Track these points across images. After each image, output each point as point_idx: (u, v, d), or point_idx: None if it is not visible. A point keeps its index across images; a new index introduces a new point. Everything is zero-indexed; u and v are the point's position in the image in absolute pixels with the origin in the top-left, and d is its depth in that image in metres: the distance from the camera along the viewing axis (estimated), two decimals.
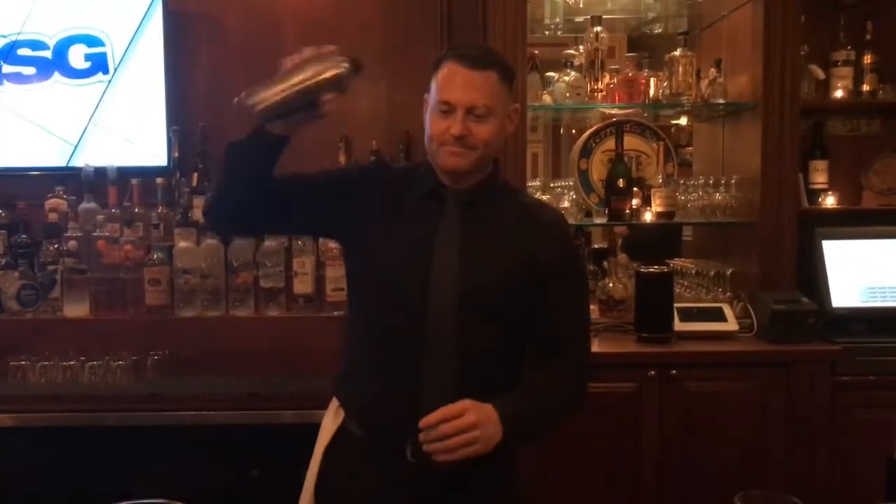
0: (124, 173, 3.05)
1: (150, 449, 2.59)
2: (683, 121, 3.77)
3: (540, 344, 1.73)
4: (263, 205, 1.66)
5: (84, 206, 2.99)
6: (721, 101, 3.05)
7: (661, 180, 3.01)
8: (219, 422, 2.58)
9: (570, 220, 3.08)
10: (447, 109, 1.63)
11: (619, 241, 3.18)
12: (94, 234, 2.90)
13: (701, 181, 3.08)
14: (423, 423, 1.51)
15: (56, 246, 2.91)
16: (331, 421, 1.77)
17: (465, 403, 1.53)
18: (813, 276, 2.94)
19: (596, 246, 3.67)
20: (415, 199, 1.72)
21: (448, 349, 1.61)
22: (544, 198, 3.01)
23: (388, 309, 1.67)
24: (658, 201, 2.96)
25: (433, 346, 1.61)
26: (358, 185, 1.75)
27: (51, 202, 3.02)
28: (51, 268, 2.89)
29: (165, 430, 2.57)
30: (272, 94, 1.49)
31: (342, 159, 3.05)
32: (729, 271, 3.04)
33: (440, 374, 1.61)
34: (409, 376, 1.61)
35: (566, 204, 3.03)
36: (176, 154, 3.12)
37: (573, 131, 3.96)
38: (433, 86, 1.68)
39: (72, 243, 2.87)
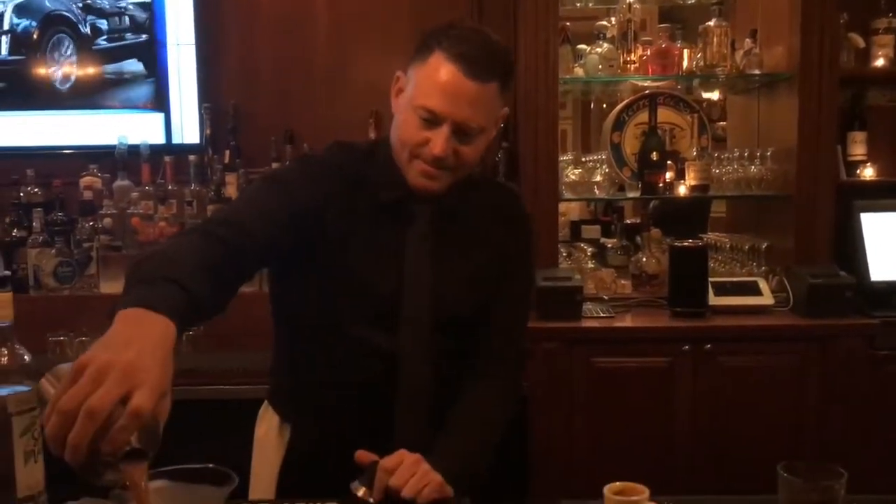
0: (157, 151, 3.08)
1: (185, 423, 2.61)
2: (715, 95, 3.71)
3: (480, 337, 1.54)
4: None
5: (118, 183, 3.03)
6: (757, 71, 2.99)
7: (695, 153, 2.97)
8: (254, 395, 2.60)
9: (602, 195, 3.07)
10: (430, 119, 1.36)
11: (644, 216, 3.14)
12: (129, 211, 2.94)
13: (736, 154, 3.03)
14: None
15: (91, 223, 2.94)
16: (276, 435, 1.57)
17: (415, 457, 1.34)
18: (851, 250, 2.89)
19: (628, 221, 3.63)
20: (375, 207, 1.45)
21: (422, 378, 1.47)
22: (576, 172, 2.99)
23: (349, 342, 1.45)
24: (692, 174, 2.92)
25: (406, 380, 1.46)
26: (310, 202, 1.42)
27: (85, 180, 3.06)
28: (87, 245, 2.92)
29: (201, 404, 2.60)
30: None
31: (372, 135, 3.04)
32: (764, 245, 2.99)
33: (413, 404, 1.48)
34: (378, 411, 1.46)
35: (598, 178, 3.00)
36: (208, 131, 3.14)
37: (604, 106, 3.91)
38: (414, 76, 1.39)
39: (107, 220, 2.91)
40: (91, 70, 3.14)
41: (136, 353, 0.93)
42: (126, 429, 0.87)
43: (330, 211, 1.42)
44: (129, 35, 3.15)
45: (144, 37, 3.14)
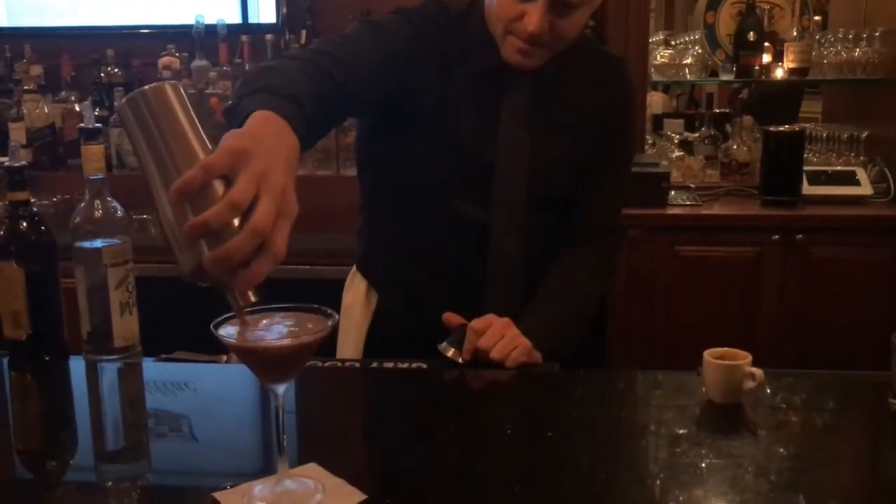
0: (234, 31, 3.03)
1: (266, 301, 2.66)
2: None
3: (576, 211, 1.49)
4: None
5: (196, 63, 3.00)
6: None
7: (795, 34, 2.79)
8: (330, 276, 2.61)
9: (692, 77, 2.92)
10: None
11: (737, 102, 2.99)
12: (207, 91, 2.92)
13: (840, 35, 2.83)
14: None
15: None
16: (363, 303, 1.56)
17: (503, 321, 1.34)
18: None
19: (717, 110, 3.47)
20: (471, 72, 1.37)
21: (513, 254, 1.42)
22: (666, 53, 2.84)
23: (439, 212, 1.41)
24: (791, 57, 2.74)
25: (497, 254, 1.42)
26: (412, 51, 1.34)
27: (163, 60, 3.04)
28: None
29: (279, 283, 2.63)
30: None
31: None
32: (864, 134, 2.82)
33: (503, 280, 1.44)
34: (467, 283, 1.42)
35: (689, 60, 2.85)
36: (284, 11, 3.08)
37: None
38: None
39: None
40: None
41: (283, 172, 0.83)
42: (263, 273, 0.82)
43: (429, 67, 1.35)
44: None
45: None
